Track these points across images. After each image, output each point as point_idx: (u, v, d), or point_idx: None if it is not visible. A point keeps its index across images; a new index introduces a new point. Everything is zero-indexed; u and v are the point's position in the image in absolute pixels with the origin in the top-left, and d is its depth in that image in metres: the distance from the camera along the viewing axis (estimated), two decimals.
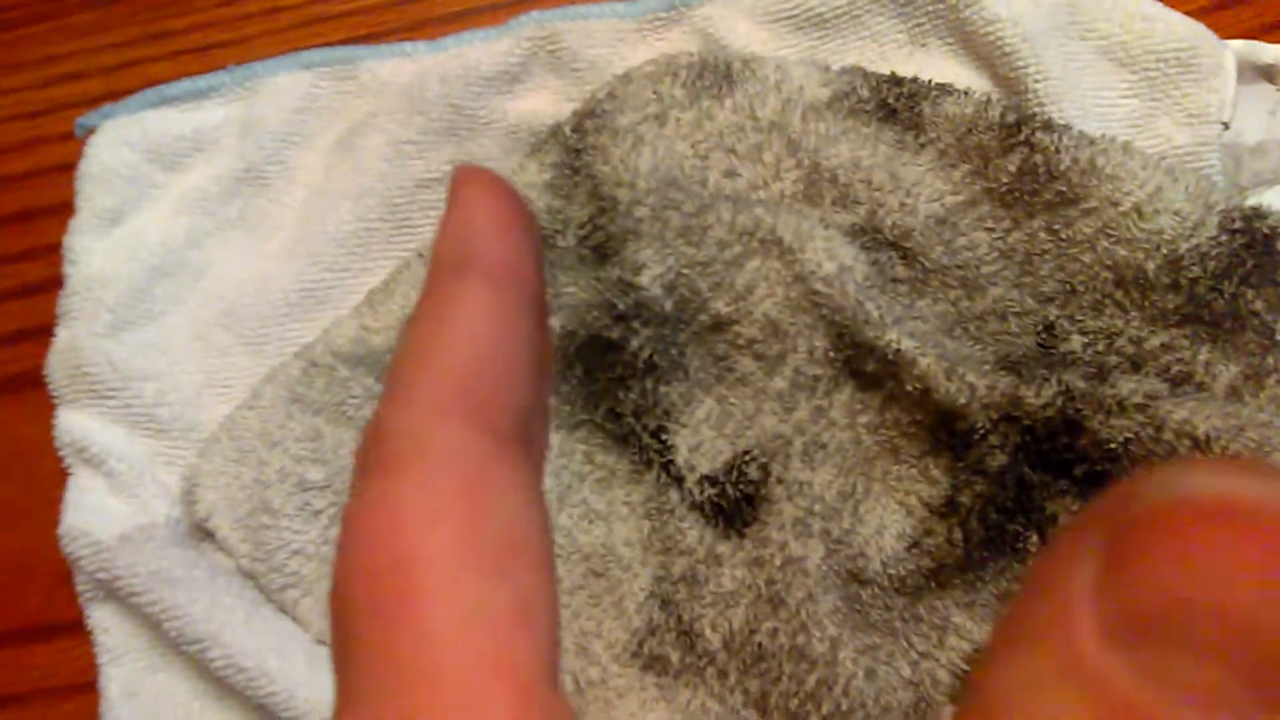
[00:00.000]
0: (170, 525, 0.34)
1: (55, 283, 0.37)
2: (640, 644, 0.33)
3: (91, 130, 0.39)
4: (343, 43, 0.41)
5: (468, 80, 0.38)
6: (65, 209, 0.38)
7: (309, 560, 0.33)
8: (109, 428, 0.35)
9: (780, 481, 0.33)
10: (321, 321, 0.36)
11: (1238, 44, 0.39)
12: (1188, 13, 0.39)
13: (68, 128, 0.39)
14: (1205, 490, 0.10)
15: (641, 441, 0.34)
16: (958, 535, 0.32)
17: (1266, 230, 0.34)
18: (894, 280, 0.35)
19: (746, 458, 0.34)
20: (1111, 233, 0.34)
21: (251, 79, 0.39)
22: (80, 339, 0.36)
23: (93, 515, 0.34)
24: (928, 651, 0.32)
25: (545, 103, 0.39)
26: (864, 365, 0.34)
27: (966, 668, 0.32)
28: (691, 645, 0.33)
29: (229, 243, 0.38)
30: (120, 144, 0.39)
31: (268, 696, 0.31)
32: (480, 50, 0.39)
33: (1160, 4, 0.39)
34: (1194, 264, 0.34)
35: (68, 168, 0.38)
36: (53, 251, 0.37)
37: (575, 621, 0.33)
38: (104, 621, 0.33)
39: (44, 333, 0.36)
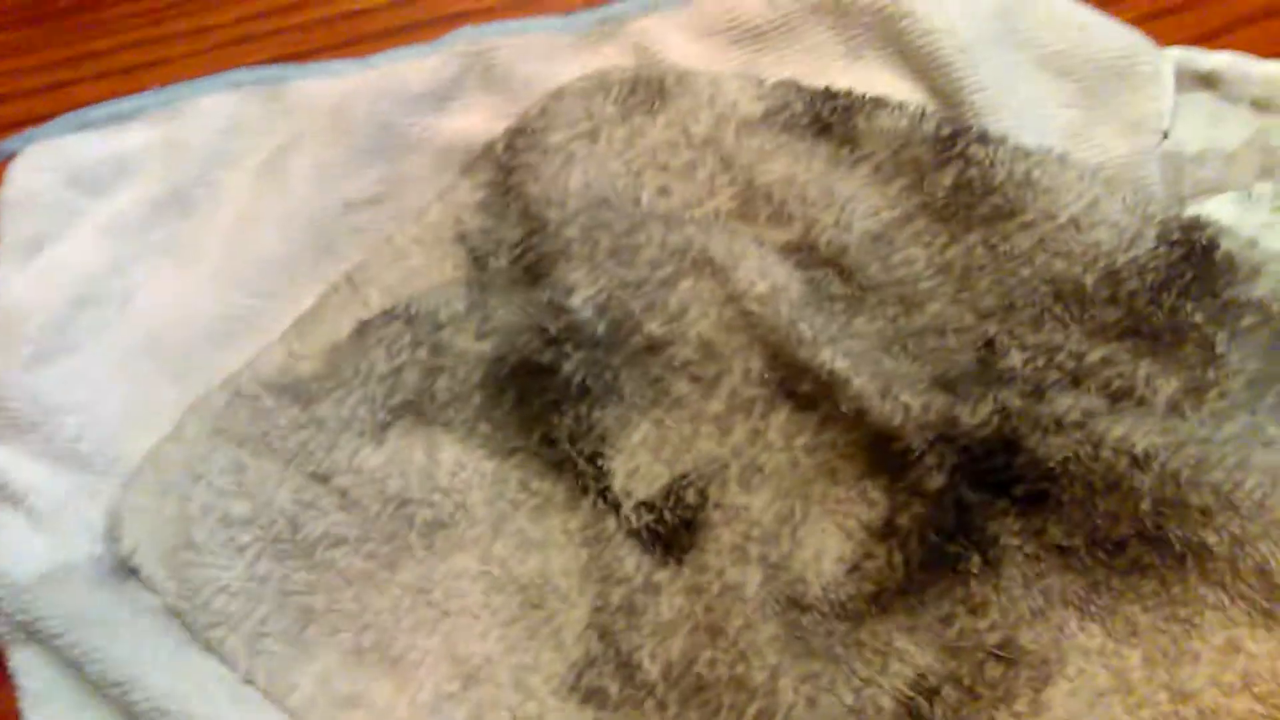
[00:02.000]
0: (93, 563, 0.33)
1: None
2: (579, 676, 0.32)
3: (12, 155, 0.38)
4: (271, 62, 0.40)
5: (397, 98, 0.38)
6: None
7: (234, 597, 0.32)
8: (30, 463, 0.34)
9: (718, 506, 0.33)
10: (248, 349, 0.35)
11: (1175, 52, 0.39)
12: (1128, 20, 0.39)
13: None
14: None
15: (577, 467, 0.34)
16: (897, 558, 0.32)
17: (1205, 241, 0.34)
18: (830, 298, 0.34)
19: (684, 482, 0.33)
20: (1049, 246, 0.34)
21: (176, 100, 0.39)
22: (0, 372, 0.35)
23: (12, 554, 0.33)
24: (870, 678, 0.31)
25: (478, 120, 0.38)
26: (799, 386, 0.33)
27: (911, 694, 0.31)
28: (631, 677, 0.32)
29: (153, 269, 0.37)
30: (42, 169, 0.38)
31: None
32: (410, 67, 0.38)
33: (1097, 12, 0.38)
34: (1132, 277, 0.33)
35: None
36: None
37: (512, 655, 0.32)
38: (25, 665, 0.32)
39: None
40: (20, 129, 0.38)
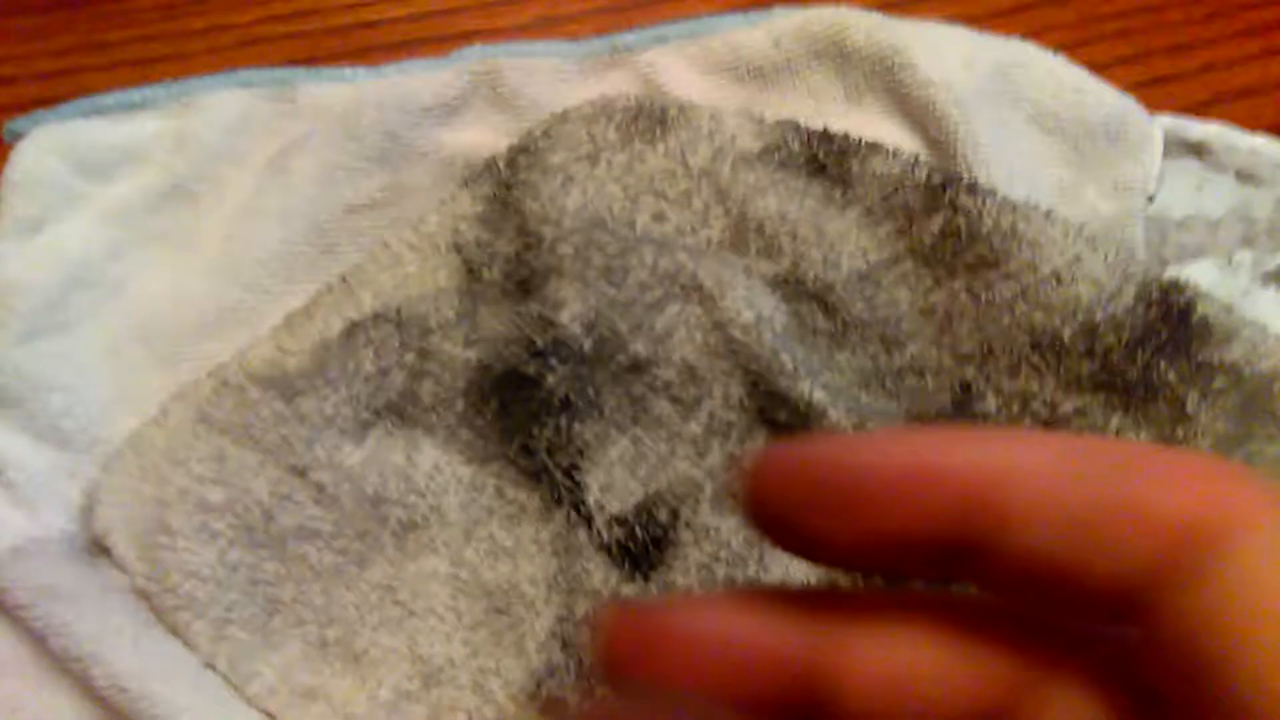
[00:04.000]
0: (65, 540, 0.33)
1: None
2: (538, 685, 0.32)
3: (20, 136, 0.38)
4: (284, 65, 0.41)
5: (405, 108, 0.38)
6: None
7: (204, 583, 0.32)
8: (12, 437, 0.35)
9: (688, 526, 0.33)
10: (238, 341, 0.36)
11: (1167, 120, 0.40)
12: (1121, 88, 0.40)
13: None
14: None
15: (554, 479, 0.34)
16: (861, 584, 0.32)
17: (1183, 304, 0.35)
18: (814, 332, 0.35)
19: (657, 500, 0.33)
20: (1030, 297, 0.35)
21: (188, 94, 0.39)
22: None
23: None
24: None
25: (483, 136, 0.39)
26: (777, 414, 0.33)
27: None
28: (591, 690, 0.32)
29: (151, 257, 0.37)
30: (48, 151, 0.38)
31: None
32: (421, 80, 0.39)
33: (1092, 77, 0.39)
34: (1109, 332, 0.34)
35: None
36: None
37: (474, 659, 0.33)
38: None
39: None
40: (29, 112, 0.39)
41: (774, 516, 0.15)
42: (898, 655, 0.14)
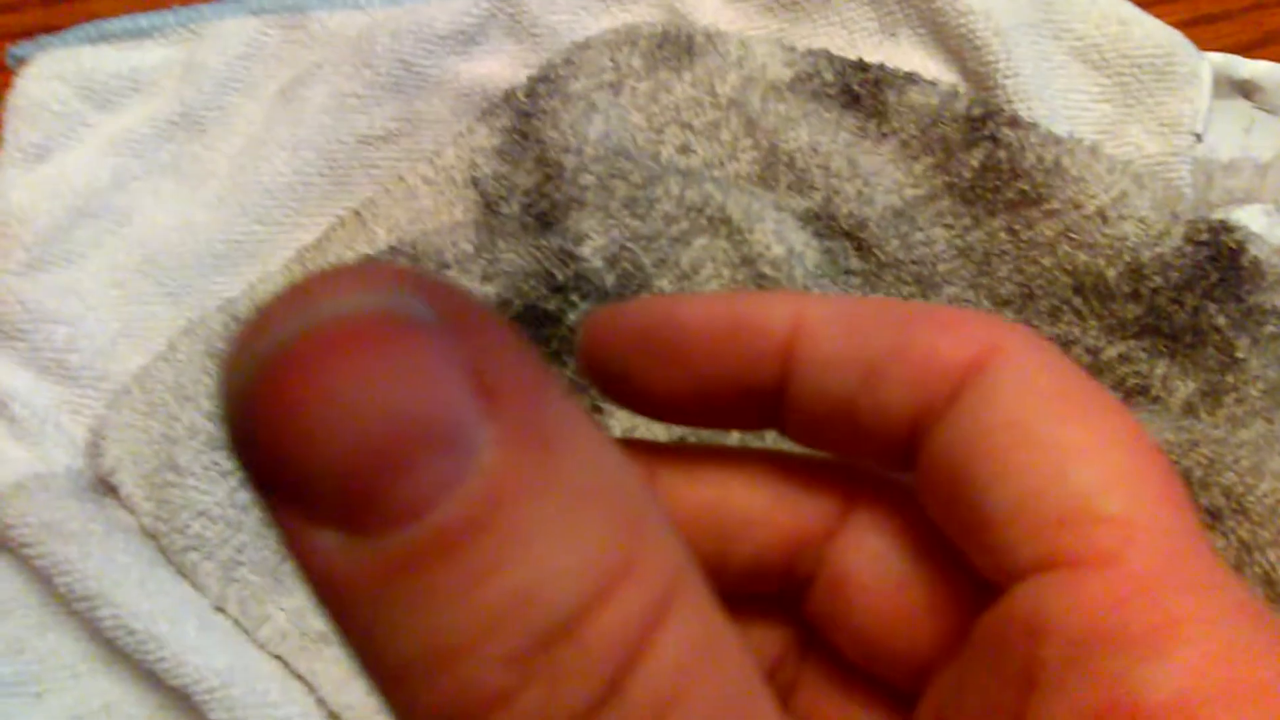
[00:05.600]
0: (70, 477, 0.32)
1: None
2: None
3: (24, 62, 0.37)
4: None
5: (420, 37, 0.37)
6: None
7: (213, 523, 0.31)
8: (15, 370, 0.34)
9: None
10: (247, 275, 0.35)
11: (1215, 57, 0.38)
12: (1167, 24, 0.38)
13: (1, 58, 0.38)
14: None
15: None
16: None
17: (1233, 244, 0.33)
18: (846, 271, 0.34)
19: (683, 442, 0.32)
20: (1073, 236, 0.33)
21: (196, 21, 0.38)
22: None
23: None
24: None
25: (501, 67, 0.38)
26: None
27: None
28: None
29: (157, 188, 0.36)
30: (53, 78, 0.37)
31: (156, 662, 0.29)
32: (436, 7, 0.37)
33: (1137, 8, 0.38)
34: (1156, 273, 0.33)
35: None
36: None
37: None
38: None
39: None
40: (33, 37, 0.38)
41: (605, 369, 0.16)
42: (707, 490, 0.16)
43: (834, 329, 0.15)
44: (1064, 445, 0.13)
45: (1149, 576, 0.12)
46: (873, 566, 0.15)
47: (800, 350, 0.15)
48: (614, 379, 0.16)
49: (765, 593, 0.16)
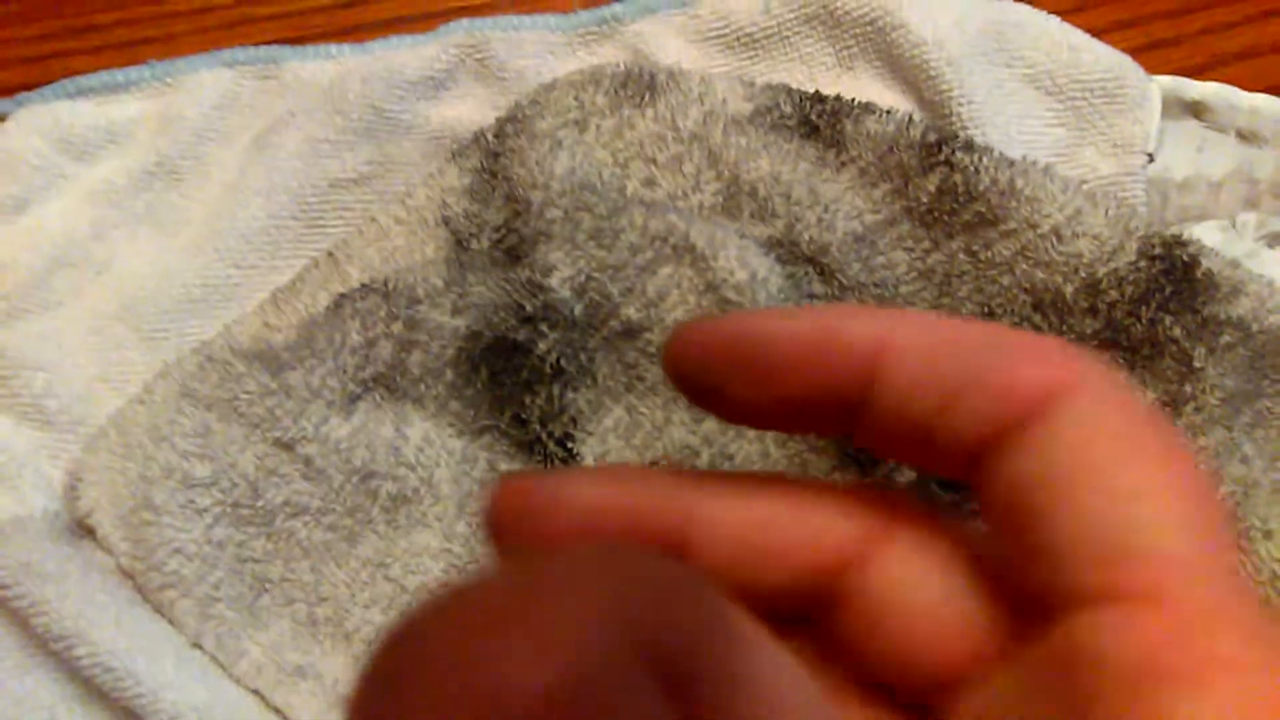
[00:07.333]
0: (47, 519, 0.33)
1: None
2: None
3: (3, 118, 0.38)
4: (269, 44, 0.40)
5: (391, 83, 0.38)
6: None
7: (189, 560, 0.32)
8: None
9: None
10: (223, 318, 0.35)
11: (1164, 79, 0.39)
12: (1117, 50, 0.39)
13: None
14: None
15: (547, 449, 0.33)
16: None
17: (1186, 258, 0.34)
18: (810, 295, 0.34)
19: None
20: (1030, 255, 0.34)
21: (172, 74, 0.39)
22: None
23: None
24: None
25: (470, 110, 0.39)
26: None
27: None
28: None
29: (134, 237, 0.37)
30: (31, 132, 0.38)
31: (134, 699, 0.29)
32: (406, 55, 0.39)
33: (1087, 35, 0.39)
34: (1112, 288, 0.33)
35: None
36: None
37: None
38: None
39: None
40: (14, 95, 0.38)
41: (694, 380, 0.16)
42: (741, 513, 0.16)
43: (917, 354, 0.15)
44: (1127, 485, 0.14)
45: (1199, 615, 0.13)
46: (907, 590, 0.16)
47: (884, 373, 0.15)
48: (704, 391, 0.16)
49: (790, 613, 0.16)
